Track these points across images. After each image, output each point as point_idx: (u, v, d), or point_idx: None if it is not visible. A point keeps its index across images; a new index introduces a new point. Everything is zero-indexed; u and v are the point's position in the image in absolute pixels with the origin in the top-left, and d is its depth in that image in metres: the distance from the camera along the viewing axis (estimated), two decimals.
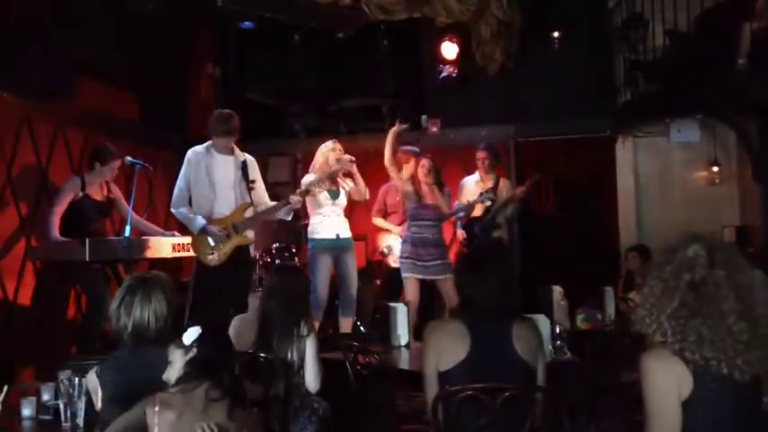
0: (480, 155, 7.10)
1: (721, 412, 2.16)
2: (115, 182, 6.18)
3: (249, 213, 5.60)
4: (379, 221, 7.13)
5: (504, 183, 7.19)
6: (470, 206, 6.89)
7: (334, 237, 6.17)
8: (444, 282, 6.15)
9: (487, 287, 2.99)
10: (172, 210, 5.68)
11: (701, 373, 2.14)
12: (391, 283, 6.98)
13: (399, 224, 6.93)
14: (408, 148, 6.79)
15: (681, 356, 2.16)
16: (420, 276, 6.21)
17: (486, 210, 7.00)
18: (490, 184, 7.09)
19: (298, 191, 5.87)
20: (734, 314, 2.16)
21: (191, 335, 2.57)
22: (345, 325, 6.30)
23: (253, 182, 5.64)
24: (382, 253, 7.19)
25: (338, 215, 6.24)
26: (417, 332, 5.14)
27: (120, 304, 2.87)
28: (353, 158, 6.17)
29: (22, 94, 5.97)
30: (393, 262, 6.97)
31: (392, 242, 7.06)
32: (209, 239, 5.49)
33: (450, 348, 2.91)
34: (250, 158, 5.74)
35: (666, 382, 2.17)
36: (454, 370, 2.88)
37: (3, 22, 5.65)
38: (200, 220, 5.48)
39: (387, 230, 7.12)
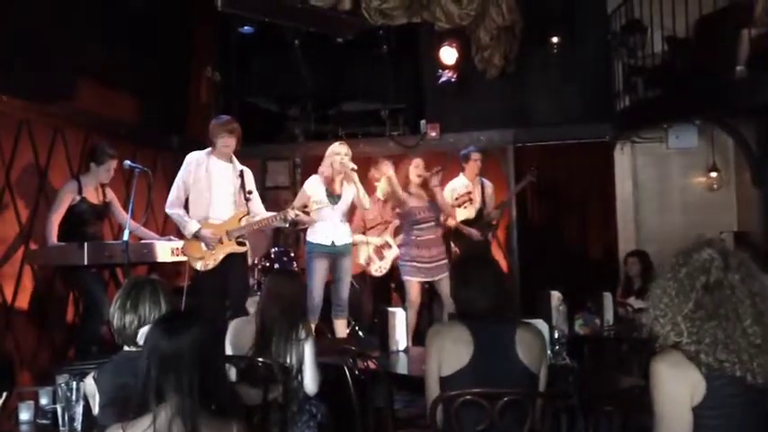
0: (476, 155, 7.15)
1: (733, 416, 2.16)
2: (114, 186, 6.17)
3: (245, 222, 5.59)
4: (358, 238, 7.14)
5: (488, 184, 7.27)
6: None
7: (329, 244, 6.16)
8: (441, 282, 6.22)
9: (478, 293, 2.99)
10: (167, 210, 5.64)
11: (715, 377, 2.14)
12: (379, 290, 7.20)
13: (380, 235, 7.10)
14: (386, 162, 7.08)
15: (695, 359, 2.16)
16: (422, 279, 6.31)
17: (479, 212, 7.08)
18: (479, 186, 7.16)
19: (295, 206, 5.81)
20: (749, 317, 2.17)
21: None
22: (340, 326, 6.31)
23: (250, 192, 5.64)
24: (365, 263, 7.25)
25: (337, 220, 6.21)
26: (419, 334, 5.15)
27: (127, 300, 2.81)
28: (355, 167, 6.15)
29: (22, 96, 5.97)
30: (375, 271, 7.08)
31: (370, 253, 7.12)
32: (201, 244, 5.49)
33: (452, 353, 2.91)
34: (247, 169, 5.74)
35: (679, 389, 2.16)
36: (456, 375, 2.88)
37: (2, 24, 5.65)
38: (194, 225, 5.47)
39: (365, 243, 7.11)
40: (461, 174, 7.18)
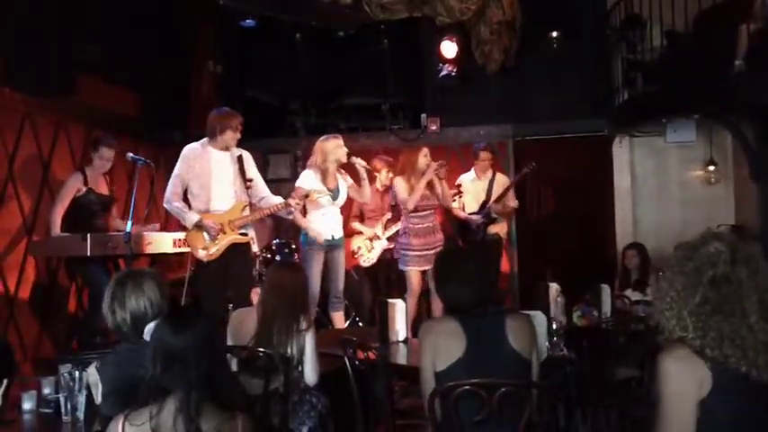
0: (483, 155, 7.29)
1: (738, 411, 2.15)
2: (117, 179, 6.21)
3: (246, 212, 5.62)
4: (356, 225, 7.32)
5: (500, 181, 7.33)
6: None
7: (331, 238, 6.21)
8: None
9: (461, 287, 3.01)
10: (165, 205, 5.63)
11: (721, 371, 2.13)
12: (374, 281, 7.40)
13: (374, 225, 7.27)
14: (384, 157, 7.33)
15: (701, 353, 2.14)
16: (422, 268, 6.21)
17: (483, 204, 7.15)
18: (487, 180, 7.22)
19: (298, 194, 5.84)
20: (755, 314, 2.15)
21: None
22: (338, 319, 6.36)
23: (250, 180, 5.65)
24: (353, 253, 7.32)
25: (335, 214, 6.29)
26: (417, 323, 5.17)
27: (113, 299, 2.83)
28: (368, 166, 6.28)
29: (24, 90, 6.00)
30: (363, 262, 7.28)
31: (361, 244, 7.28)
32: (204, 234, 5.51)
33: (445, 347, 2.93)
34: (246, 153, 5.71)
35: (686, 385, 2.15)
36: (451, 368, 2.90)
37: (5, 18, 5.68)
38: (194, 215, 5.46)
39: (359, 233, 7.30)
40: (472, 168, 7.41)
